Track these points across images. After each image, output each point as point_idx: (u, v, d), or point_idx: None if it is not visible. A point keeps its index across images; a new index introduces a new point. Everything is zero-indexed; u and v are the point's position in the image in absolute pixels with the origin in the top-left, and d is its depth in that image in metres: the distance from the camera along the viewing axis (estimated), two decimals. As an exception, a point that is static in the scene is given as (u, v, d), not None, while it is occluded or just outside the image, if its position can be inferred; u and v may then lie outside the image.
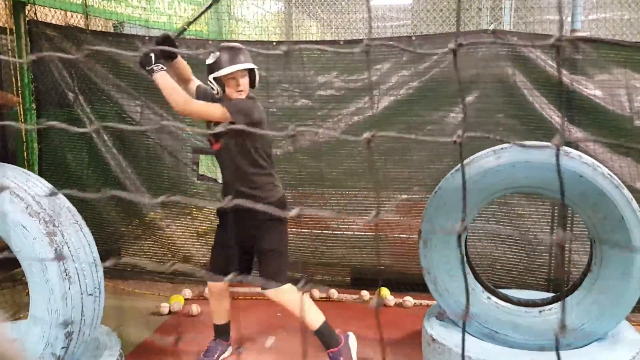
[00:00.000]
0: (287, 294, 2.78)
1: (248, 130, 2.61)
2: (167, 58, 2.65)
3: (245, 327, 3.43)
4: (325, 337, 2.81)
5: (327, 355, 2.82)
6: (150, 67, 2.57)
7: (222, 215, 2.96)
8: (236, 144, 2.70)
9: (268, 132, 3.22)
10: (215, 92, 2.71)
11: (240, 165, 2.72)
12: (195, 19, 2.93)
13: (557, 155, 0.69)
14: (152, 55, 2.56)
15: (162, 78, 2.57)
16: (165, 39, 2.67)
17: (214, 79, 2.67)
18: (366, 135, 0.72)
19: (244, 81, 2.68)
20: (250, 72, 2.72)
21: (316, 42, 4.02)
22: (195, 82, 2.91)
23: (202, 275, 2.98)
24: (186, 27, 2.95)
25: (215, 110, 2.62)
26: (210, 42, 4.33)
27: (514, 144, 2.58)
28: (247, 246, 2.85)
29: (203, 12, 2.97)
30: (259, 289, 3.95)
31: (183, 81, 2.84)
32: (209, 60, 2.69)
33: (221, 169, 2.89)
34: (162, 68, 2.57)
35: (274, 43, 4.14)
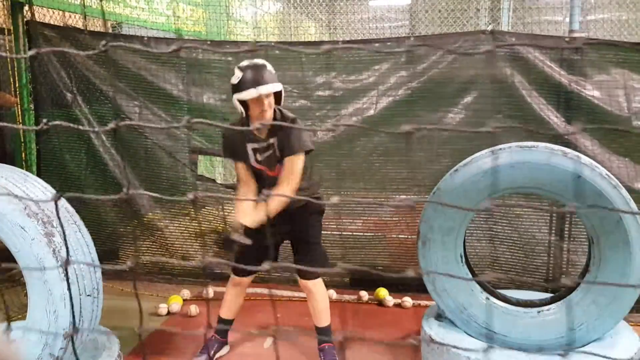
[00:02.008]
0: (322, 286, 2.94)
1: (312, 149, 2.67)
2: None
3: (245, 328, 3.43)
4: (327, 334, 2.95)
5: (321, 348, 2.93)
6: (239, 240, 2.60)
7: None
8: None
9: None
10: (239, 112, 2.67)
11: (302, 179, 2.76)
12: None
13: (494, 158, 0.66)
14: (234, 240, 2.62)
15: (257, 214, 2.63)
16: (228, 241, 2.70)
17: (238, 100, 2.62)
18: (407, 127, 0.70)
19: (269, 100, 2.60)
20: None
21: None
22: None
23: (236, 267, 2.98)
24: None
25: (301, 161, 2.67)
26: (208, 42, 4.34)
27: (513, 145, 2.58)
28: (279, 240, 2.96)
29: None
30: (258, 290, 3.96)
31: (253, 187, 2.86)
32: (233, 81, 2.63)
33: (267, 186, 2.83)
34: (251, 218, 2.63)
35: (272, 44, 4.14)
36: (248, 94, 2.56)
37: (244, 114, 2.66)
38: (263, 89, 2.54)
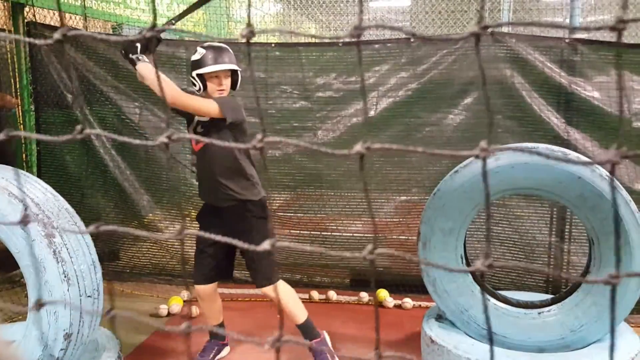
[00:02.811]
0: (281, 288, 2.88)
1: (235, 129, 2.64)
2: (149, 52, 2.59)
3: (244, 329, 3.43)
4: (309, 330, 2.89)
5: (310, 347, 2.89)
6: (135, 56, 2.54)
7: (203, 218, 2.95)
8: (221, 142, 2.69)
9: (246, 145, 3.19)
10: (197, 88, 2.72)
11: (224, 165, 2.73)
12: (182, 16, 2.92)
13: (483, 166, 0.62)
14: (138, 45, 2.54)
15: (149, 68, 2.53)
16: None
17: (197, 75, 2.68)
18: (358, 148, 0.65)
19: (227, 82, 2.71)
20: (233, 74, 2.74)
21: (316, 44, 4.01)
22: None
23: (193, 279, 2.96)
24: (173, 22, 2.94)
25: (210, 105, 2.61)
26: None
27: (512, 146, 2.58)
28: (230, 247, 2.88)
29: (189, 12, 2.96)
30: (258, 290, 3.95)
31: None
32: (195, 57, 2.70)
33: (201, 169, 2.86)
34: (145, 60, 2.55)
35: (273, 45, 4.14)
36: (209, 69, 2.64)
37: (202, 90, 2.72)
38: (225, 66, 2.65)
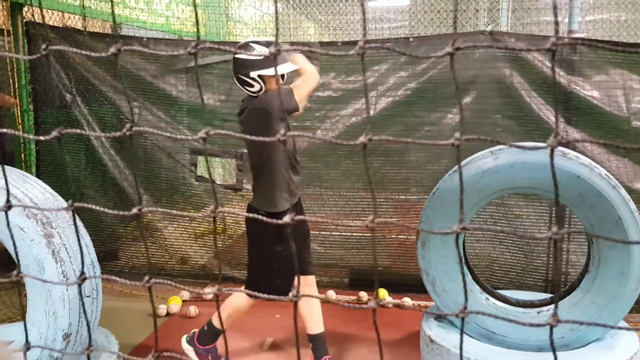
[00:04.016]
0: (310, 283, 2.91)
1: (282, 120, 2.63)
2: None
3: (244, 329, 3.43)
4: (319, 343, 2.85)
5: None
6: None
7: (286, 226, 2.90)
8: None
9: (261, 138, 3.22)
10: (256, 89, 2.64)
11: (258, 176, 2.76)
12: None
13: (552, 156, 0.69)
14: None
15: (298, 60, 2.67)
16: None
17: (259, 76, 2.61)
18: (362, 139, 0.71)
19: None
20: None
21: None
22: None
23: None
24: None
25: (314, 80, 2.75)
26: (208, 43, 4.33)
27: (511, 145, 2.58)
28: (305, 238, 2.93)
29: None
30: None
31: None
32: (254, 57, 2.59)
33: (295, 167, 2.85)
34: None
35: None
36: (285, 68, 2.64)
37: (263, 89, 2.64)
38: (292, 67, 2.66)
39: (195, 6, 0.74)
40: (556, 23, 0.74)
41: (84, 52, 0.83)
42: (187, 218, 4.33)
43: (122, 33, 5.28)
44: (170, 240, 4.29)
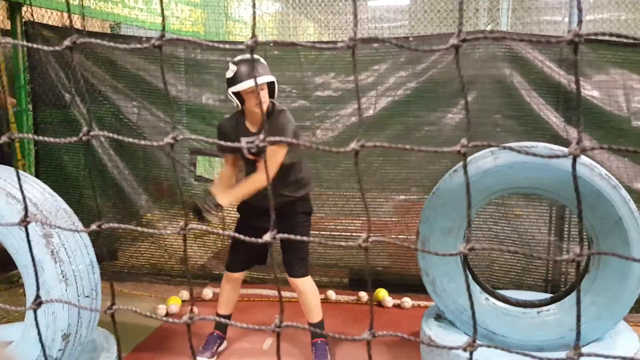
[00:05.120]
0: (310, 283, 2.98)
1: (294, 143, 2.65)
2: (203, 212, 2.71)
3: (243, 329, 3.42)
4: (319, 329, 2.88)
5: (314, 343, 2.98)
6: (215, 203, 2.68)
7: (246, 211, 3.00)
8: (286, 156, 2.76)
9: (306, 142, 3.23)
10: (235, 105, 2.76)
11: (287, 174, 2.81)
12: None
13: (574, 166, 0.66)
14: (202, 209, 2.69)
15: (234, 193, 2.76)
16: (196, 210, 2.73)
17: (233, 93, 2.69)
18: (353, 145, 0.69)
19: (264, 93, 2.70)
20: (270, 82, 2.73)
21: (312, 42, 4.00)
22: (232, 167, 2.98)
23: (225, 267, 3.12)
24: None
25: (282, 153, 2.69)
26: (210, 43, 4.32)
27: (511, 146, 2.57)
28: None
29: None
30: (256, 291, 3.95)
31: (233, 175, 2.98)
32: (228, 75, 2.70)
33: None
34: (216, 205, 2.68)
35: (271, 44, 4.13)
36: (243, 85, 2.63)
37: (240, 107, 2.76)
38: (258, 80, 2.65)
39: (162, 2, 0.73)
40: (580, 10, 0.70)
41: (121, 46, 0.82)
42: (187, 218, 4.32)
43: (122, 32, 5.28)
44: (169, 241, 4.29)
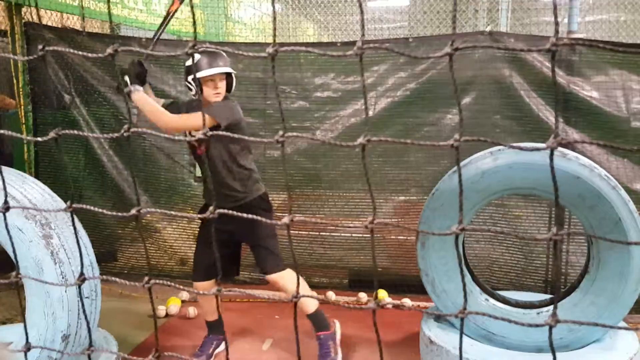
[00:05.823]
0: (289, 274, 2.90)
1: (232, 130, 2.67)
2: (141, 82, 2.73)
3: (243, 330, 3.42)
4: (318, 320, 2.95)
5: (317, 337, 2.94)
6: (128, 89, 2.67)
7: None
8: (223, 145, 2.77)
9: (259, 139, 3.27)
10: (193, 93, 2.80)
11: (228, 166, 2.80)
12: (156, 36, 3.00)
13: (551, 157, 0.69)
14: (127, 77, 2.68)
15: (143, 98, 2.69)
16: (137, 63, 2.74)
17: (193, 80, 2.73)
18: (361, 140, 0.72)
19: (222, 85, 2.77)
20: (228, 76, 2.80)
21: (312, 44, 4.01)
22: (161, 102, 2.98)
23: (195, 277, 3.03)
24: (157, 36, 3.03)
25: (200, 121, 2.65)
26: (207, 44, 4.33)
27: (510, 146, 2.57)
28: (234, 242, 2.97)
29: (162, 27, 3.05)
30: (256, 291, 3.94)
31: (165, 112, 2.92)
32: (189, 62, 2.78)
33: (206, 171, 2.97)
34: (138, 89, 2.68)
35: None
36: (203, 73, 2.69)
37: (198, 96, 2.85)
38: (219, 70, 2.71)
39: None
40: (556, 23, 0.74)
41: (81, 52, 0.82)
42: (186, 219, 4.32)
43: (121, 33, 5.28)
44: (169, 241, 4.29)
